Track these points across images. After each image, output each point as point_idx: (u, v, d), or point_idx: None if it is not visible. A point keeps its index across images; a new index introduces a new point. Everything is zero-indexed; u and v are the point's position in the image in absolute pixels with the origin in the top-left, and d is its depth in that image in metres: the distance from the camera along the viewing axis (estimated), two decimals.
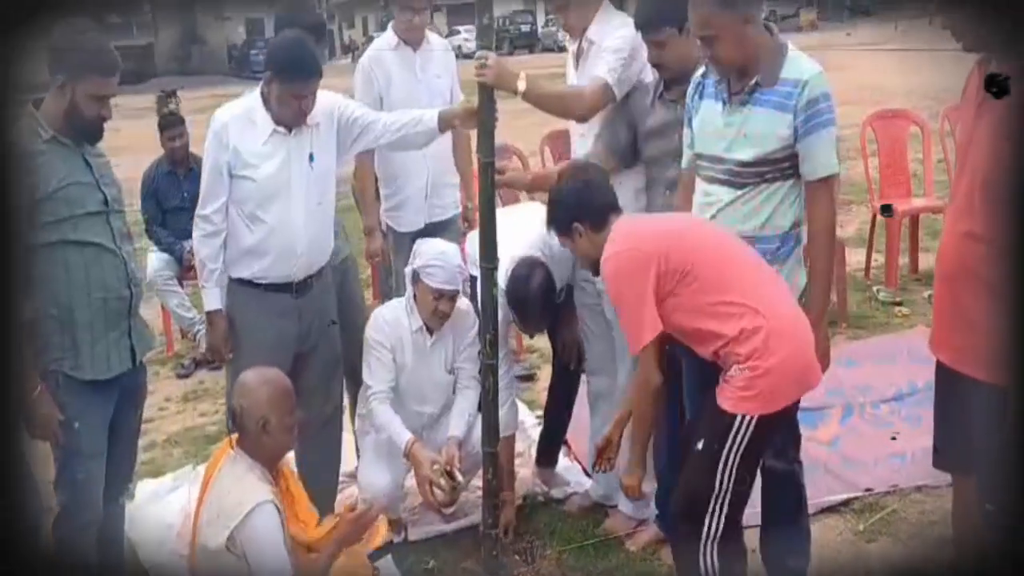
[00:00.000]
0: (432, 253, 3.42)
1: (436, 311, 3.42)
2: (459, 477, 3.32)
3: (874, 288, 6.04)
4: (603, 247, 2.69)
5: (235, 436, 2.88)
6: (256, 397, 2.79)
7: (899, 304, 5.77)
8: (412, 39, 4.03)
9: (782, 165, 2.69)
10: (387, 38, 4.08)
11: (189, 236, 5.64)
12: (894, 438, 4.12)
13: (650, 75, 3.26)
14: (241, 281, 3.32)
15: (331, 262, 3.49)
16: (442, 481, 3.27)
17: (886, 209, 6.01)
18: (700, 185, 2.84)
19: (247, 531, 2.69)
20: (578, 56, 3.39)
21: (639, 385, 2.74)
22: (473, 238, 3.82)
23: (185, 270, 5.82)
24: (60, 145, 2.82)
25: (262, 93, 3.23)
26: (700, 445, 2.59)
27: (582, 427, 4.07)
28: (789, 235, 2.76)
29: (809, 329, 2.62)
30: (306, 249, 3.29)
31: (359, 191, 4.05)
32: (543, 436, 4.03)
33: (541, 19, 40.73)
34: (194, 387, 5.53)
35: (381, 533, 3.51)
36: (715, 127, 2.76)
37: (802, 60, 2.68)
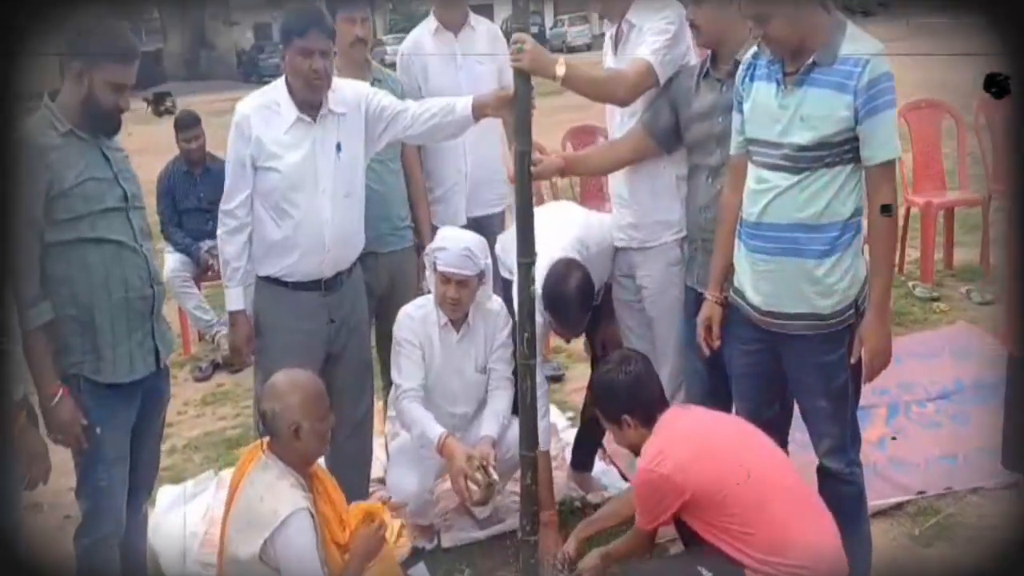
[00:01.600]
0: (441, 235, 3.31)
1: (445, 297, 3.27)
2: (494, 475, 3.17)
3: (910, 284, 5.86)
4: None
5: (266, 440, 2.76)
6: (288, 402, 2.66)
7: (936, 300, 5.59)
8: (451, 22, 3.84)
9: (842, 148, 2.53)
10: (427, 23, 3.91)
11: (205, 237, 5.70)
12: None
13: (694, 58, 3.12)
14: (268, 279, 3.19)
15: (382, 251, 3.41)
16: (478, 475, 3.12)
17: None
18: (753, 171, 2.68)
19: (282, 541, 2.57)
20: (617, 40, 3.23)
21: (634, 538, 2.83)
22: (503, 240, 3.67)
23: (202, 271, 5.71)
24: (77, 139, 2.70)
25: (286, 81, 3.10)
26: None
27: None
28: (850, 224, 2.60)
29: (841, 556, 2.55)
30: (334, 243, 3.16)
31: (408, 181, 3.81)
32: (579, 439, 3.88)
33: (549, 20, 40.58)
34: (212, 390, 5.41)
35: (403, 535, 3.38)
36: (769, 110, 2.61)
37: (862, 38, 2.52)
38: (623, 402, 2.73)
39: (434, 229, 3.82)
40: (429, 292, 3.44)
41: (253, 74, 35.61)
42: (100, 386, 2.74)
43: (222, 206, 3.16)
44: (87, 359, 2.72)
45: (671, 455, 2.57)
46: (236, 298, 3.19)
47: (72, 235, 2.66)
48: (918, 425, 4.11)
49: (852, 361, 2.68)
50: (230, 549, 2.67)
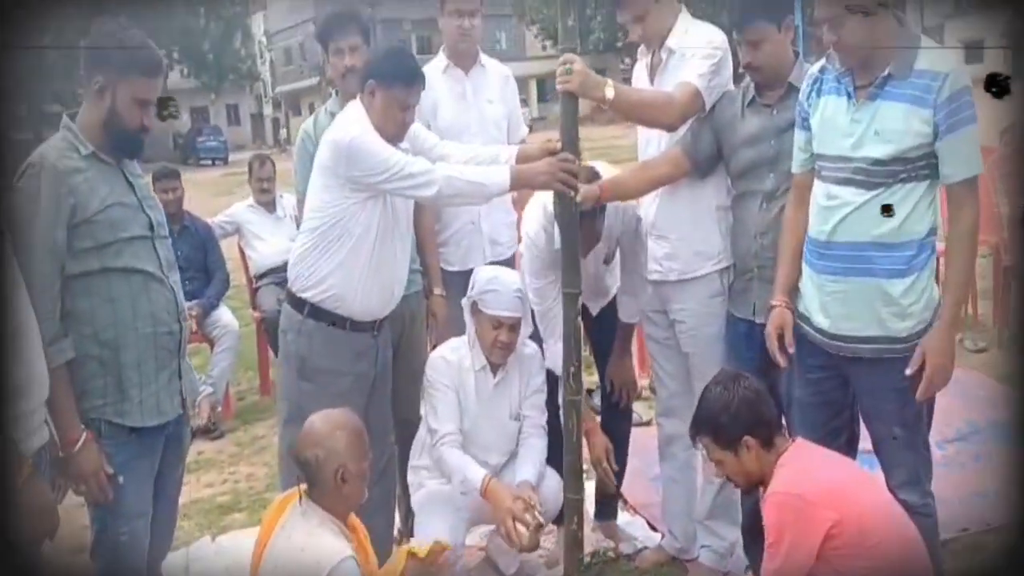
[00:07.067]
0: (486, 278, 3.16)
1: (496, 342, 3.12)
2: (540, 518, 2.98)
3: None
4: (769, 468, 2.47)
5: (303, 487, 2.54)
6: (332, 445, 2.47)
7: None
8: (462, 57, 3.72)
9: (918, 164, 2.46)
10: (437, 61, 3.78)
11: (185, 298, 5.41)
12: None
13: (733, 84, 3.07)
14: (324, 320, 2.98)
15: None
16: (527, 517, 2.92)
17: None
18: (822, 187, 2.59)
19: None
20: (654, 68, 3.15)
21: None
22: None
23: None
24: (100, 162, 2.53)
25: (368, 117, 2.90)
26: None
27: (637, 475, 3.77)
28: (926, 243, 2.52)
29: None
30: (400, 286, 3.08)
31: (416, 222, 3.46)
32: (599, 487, 3.68)
33: None
34: (194, 457, 5.07)
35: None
36: (839, 124, 2.54)
37: (939, 51, 2.48)
38: (744, 421, 2.46)
39: (442, 273, 3.68)
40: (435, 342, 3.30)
41: (191, 156, 35.43)
42: (123, 430, 2.52)
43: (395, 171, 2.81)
44: (110, 401, 2.50)
45: (812, 477, 2.34)
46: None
47: (96, 265, 2.47)
48: (942, 467, 4.02)
49: (909, 372, 2.53)
50: None
